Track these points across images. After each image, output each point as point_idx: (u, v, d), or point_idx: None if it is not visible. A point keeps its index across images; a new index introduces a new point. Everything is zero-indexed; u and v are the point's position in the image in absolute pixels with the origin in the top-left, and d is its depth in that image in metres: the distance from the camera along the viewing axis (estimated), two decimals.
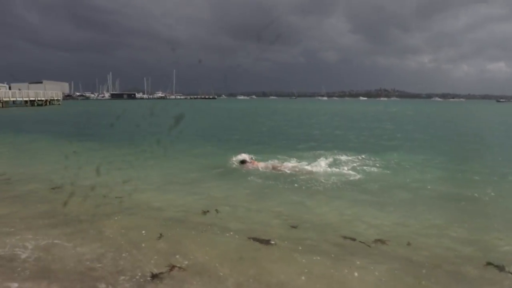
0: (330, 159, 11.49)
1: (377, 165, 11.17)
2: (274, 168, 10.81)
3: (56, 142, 17.31)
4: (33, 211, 6.76)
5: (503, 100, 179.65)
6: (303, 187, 8.70)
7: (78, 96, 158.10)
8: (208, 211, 6.68)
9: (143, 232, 5.65)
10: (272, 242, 5.22)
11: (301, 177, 9.67)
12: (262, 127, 27.06)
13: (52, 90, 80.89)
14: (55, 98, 75.62)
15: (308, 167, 10.63)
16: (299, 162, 11.28)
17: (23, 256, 4.78)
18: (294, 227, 5.99)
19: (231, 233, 5.56)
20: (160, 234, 5.47)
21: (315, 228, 5.98)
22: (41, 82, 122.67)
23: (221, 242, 5.28)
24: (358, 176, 9.78)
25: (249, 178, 9.60)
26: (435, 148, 15.91)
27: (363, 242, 5.36)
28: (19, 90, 66.05)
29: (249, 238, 5.36)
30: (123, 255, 4.86)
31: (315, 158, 11.52)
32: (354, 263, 4.67)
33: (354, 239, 5.47)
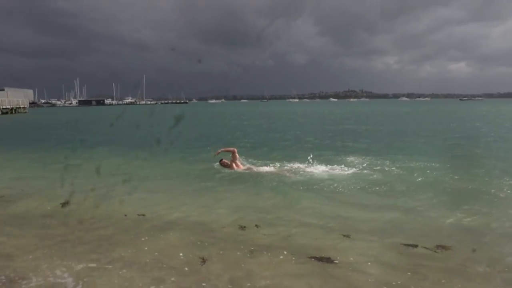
0: (332, 162, 11.32)
1: (386, 165, 11.06)
2: (279, 172, 10.47)
3: (40, 153, 16.15)
4: (49, 233, 6.04)
5: (465, 98, 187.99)
6: (326, 191, 8.42)
7: (44, 103, 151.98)
8: (245, 226, 6.21)
9: (180, 254, 5.07)
10: (336, 261, 4.82)
11: (314, 180, 9.40)
12: (245, 131, 26.62)
13: (15, 98, 77.01)
14: (21, 106, 72.25)
15: (318, 169, 10.41)
16: (302, 165, 11.02)
17: (70, 285, 4.19)
18: (346, 236, 5.66)
19: (285, 252, 5.09)
20: (203, 258, 4.90)
21: (368, 236, 5.68)
22: (3, 90, 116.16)
23: (280, 264, 4.76)
24: (375, 176, 9.66)
25: (261, 184, 9.26)
26: (432, 147, 16.10)
27: (427, 248, 5.12)
28: None
29: (308, 257, 4.92)
30: (172, 280, 4.33)
31: (318, 161, 11.24)
32: (431, 274, 4.40)
33: (415, 246, 5.22)
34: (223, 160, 11.25)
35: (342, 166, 10.87)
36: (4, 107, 64.10)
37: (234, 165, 10.97)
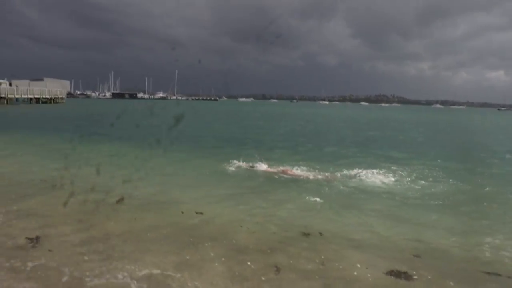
0: (383, 172, 10.94)
1: (441, 177, 10.58)
2: (330, 179, 10.18)
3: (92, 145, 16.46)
4: (106, 232, 5.94)
5: (504, 108, 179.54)
6: (384, 202, 8.10)
7: (79, 94, 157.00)
8: (309, 233, 6.01)
9: (249, 263, 4.84)
10: (415, 277, 4.55)
11: (365, 190, 9.07)
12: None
13: (53, 88, 79.67)
14: (59, 96, 74.71)
15: (369, 178, 10.06)
16: (348, 172, 10.73)
17: None
18: (417, 256, 5.35)
19: (358, 265, 4.85)
20: (276, 267, 4.69)
21: (442, 258, 5.35)
22: (42, 80, 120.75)
23: (357, 279, 4.52)
24: (433, 190, 9.23)
25: (307, 188, 9.05)
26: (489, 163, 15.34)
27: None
28: (16, 86, 64.35)
29: (385, 273, 4.67)
30: None
31: (366, 170, 10.94)
32: None
33: (499, 275, 4.84)
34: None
35: (395, 175, 10.49)
36: (43, 96, 66.52)
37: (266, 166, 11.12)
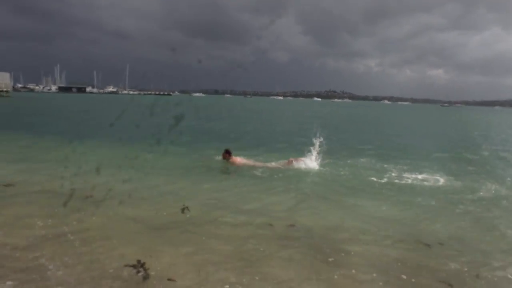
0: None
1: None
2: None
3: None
4: (190, 244, 5.19)
5: (446, 104, 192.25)
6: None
7: (21, 88, 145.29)
8: (428, 244, 5.57)
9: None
10: None
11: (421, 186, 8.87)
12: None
13: None
14: (4, 89, 68.76)
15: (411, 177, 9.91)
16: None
17: None
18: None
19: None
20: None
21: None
22: None
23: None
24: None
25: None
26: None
27: None
28: None
29: None
30: None
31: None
32: None
33: None
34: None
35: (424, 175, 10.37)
36: None
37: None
